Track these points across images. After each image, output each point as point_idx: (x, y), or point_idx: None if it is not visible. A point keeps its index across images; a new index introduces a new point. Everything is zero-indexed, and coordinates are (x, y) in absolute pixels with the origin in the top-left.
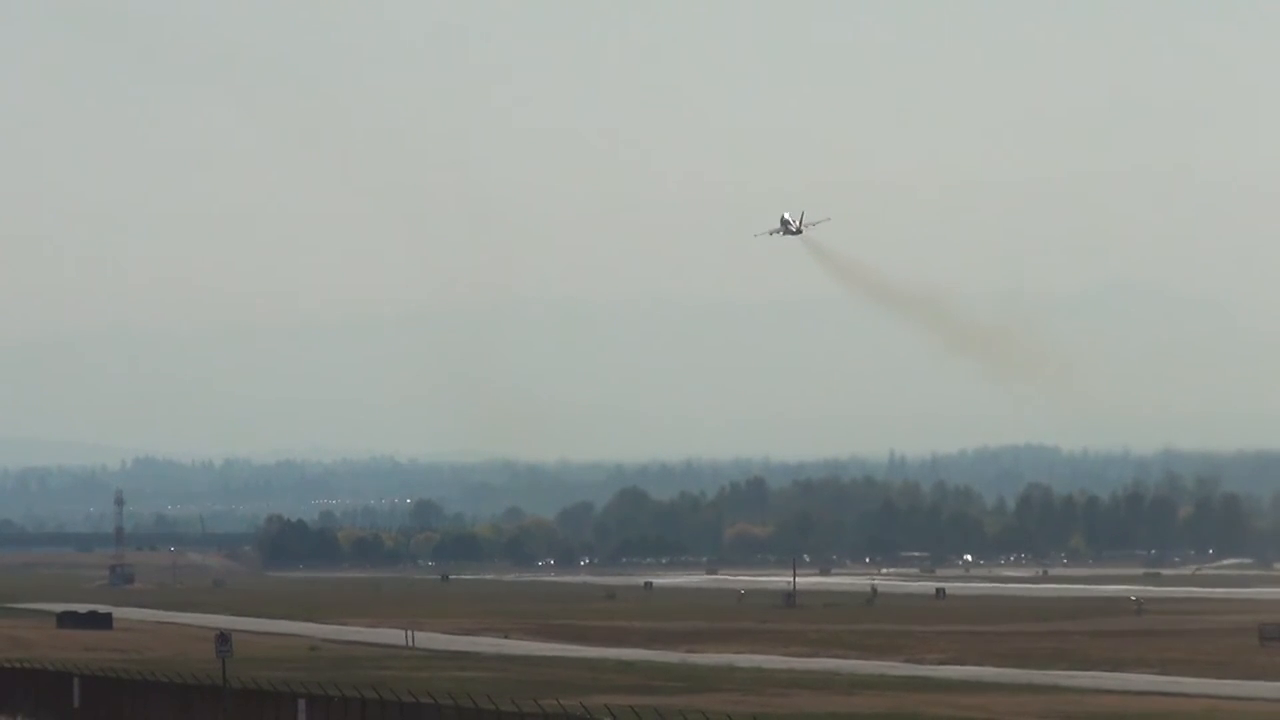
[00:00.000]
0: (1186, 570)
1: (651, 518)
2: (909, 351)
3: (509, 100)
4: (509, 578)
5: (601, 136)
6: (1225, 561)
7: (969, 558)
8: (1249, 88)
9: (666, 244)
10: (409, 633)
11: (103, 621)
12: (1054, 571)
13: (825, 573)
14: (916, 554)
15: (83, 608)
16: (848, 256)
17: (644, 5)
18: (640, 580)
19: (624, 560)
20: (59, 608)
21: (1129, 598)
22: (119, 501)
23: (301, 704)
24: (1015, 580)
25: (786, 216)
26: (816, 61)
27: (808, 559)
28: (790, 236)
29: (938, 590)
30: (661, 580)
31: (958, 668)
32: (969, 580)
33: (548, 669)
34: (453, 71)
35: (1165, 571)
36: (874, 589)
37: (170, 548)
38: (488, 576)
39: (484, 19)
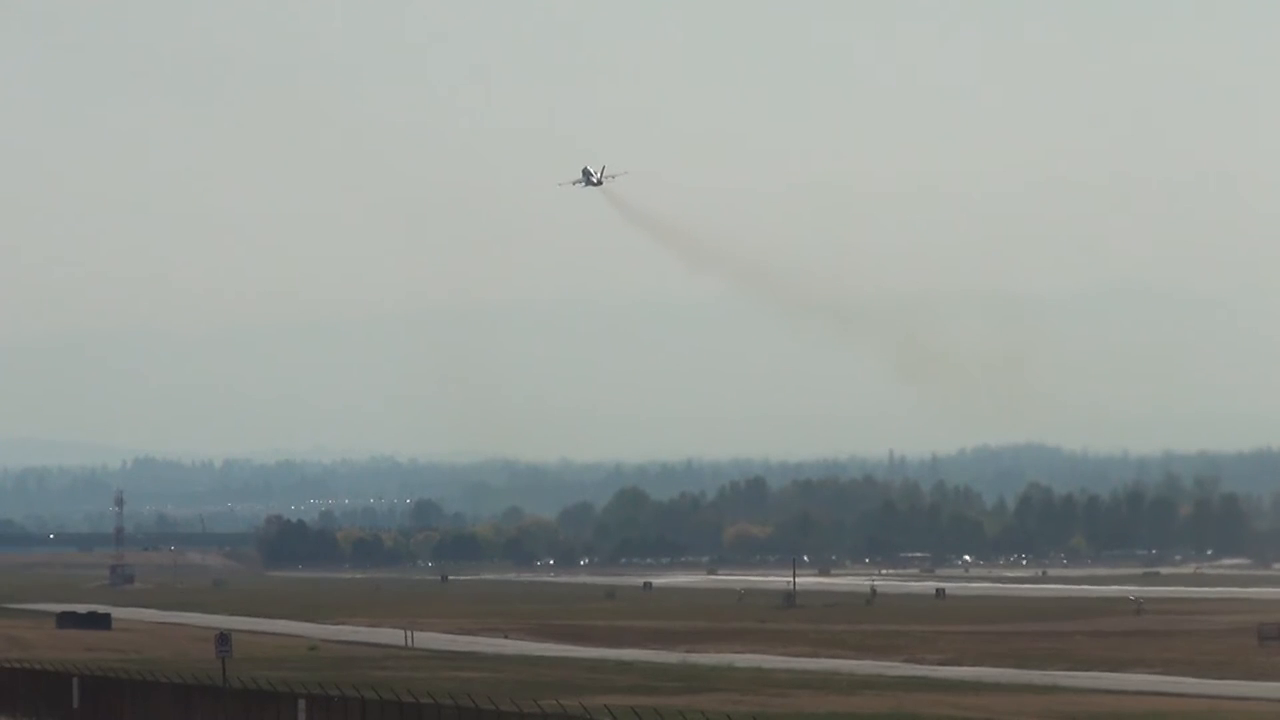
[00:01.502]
0: (1186, 570)
1: (651, 518)
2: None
3: (509, 100)
4: (509, 577)
5: (600, 136)
6: (1224, 562)
7: (969, 558)
8: (1249, 89)
9: (666, 245)
10: (408, 633)
11: (102, 622)
12: (1054, 571)
13: (825, 573)
14: (916, 554)
15: (82, 608)
16: (654, 211)
17: (643, 7)
18: (640, 580)
19: (624, 560)
20: (58, 608)
21: (1129, 598)
22: (119, 501)
23: (301, 704)
24: (1015, 580)
25: (588, 168)
26: (814, 63)
27: (807, 559)
28: (591, 188)
29: (938, 590)
30: (661, 580)
31: (958, 668)
32: (969, 580)
33: (547, 669)
34: (451, 72)
35: (1165, 571)
36: (874, 589)
37: (170, 548)
38: (488, 576)
39: (483, 20)
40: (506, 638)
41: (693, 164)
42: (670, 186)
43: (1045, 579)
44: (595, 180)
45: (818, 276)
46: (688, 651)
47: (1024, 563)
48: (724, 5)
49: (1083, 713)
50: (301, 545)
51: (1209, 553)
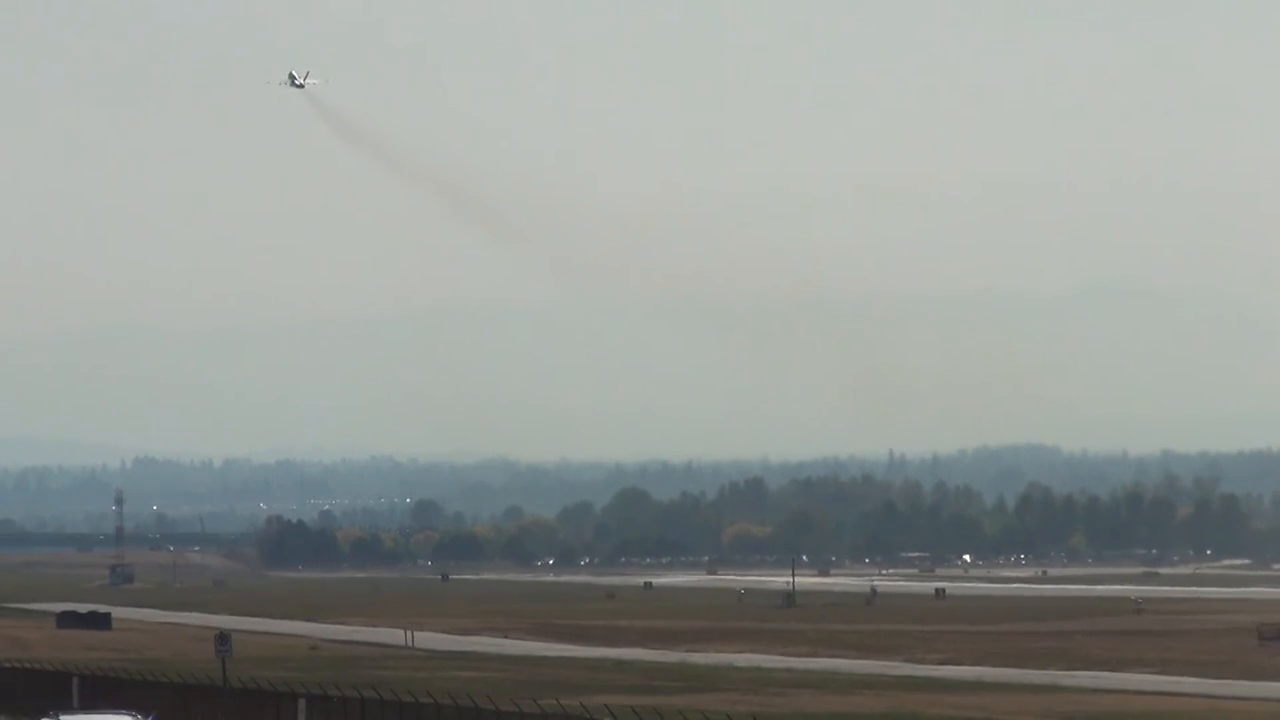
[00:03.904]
0: (1186, 570)
1: (651, 518)
2: (905, 349)
3: (508, 98)
4: (509, 577)
5: (598, 135)
6: (1224, 562)
7: (969, 558)
8: (1249, 89)
9: (665, 244)
10: (409, 633)
11: (102, 621)
12: (1054, 571)
13: (825, 573)
14: (916, 554)
15: (83, 607)
16: (360, 121)
17: (631, 5)
18: (640, 580)
19: (624, 560)
20: (59, 608)
21: (1129, 598)
22: (119, 501)
23: (301, 704)
24: (1015, 580)
25: (293, 72)
26: (811, 62)
27: (807, 559)
28: (295, 89)
29: (937, 590)
30: (661, 580)
31: (957, 668)
32: (969, 580)
33: (548, 669)
34: (446, 71)
35: (1165, 571)
36: (873, 589)
37: (170, 547)
38: (488, 576)
39: (474, 21)
40: (507, 637)
41: (680, 167)
42: (672, 187)
43: (1045, 579)
44: (299, 83)
45: (818, 276)
46: (688, 651)
47: (1024, 562)
48: (720, 6)
49: (1082, 713)
50: (301, 545)
51: (1209, 553)
